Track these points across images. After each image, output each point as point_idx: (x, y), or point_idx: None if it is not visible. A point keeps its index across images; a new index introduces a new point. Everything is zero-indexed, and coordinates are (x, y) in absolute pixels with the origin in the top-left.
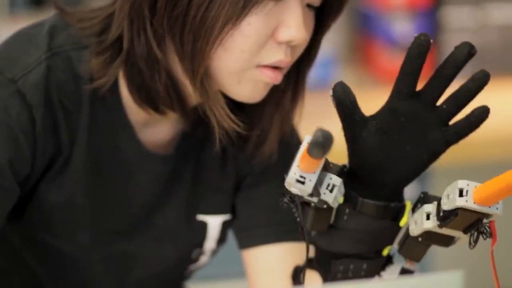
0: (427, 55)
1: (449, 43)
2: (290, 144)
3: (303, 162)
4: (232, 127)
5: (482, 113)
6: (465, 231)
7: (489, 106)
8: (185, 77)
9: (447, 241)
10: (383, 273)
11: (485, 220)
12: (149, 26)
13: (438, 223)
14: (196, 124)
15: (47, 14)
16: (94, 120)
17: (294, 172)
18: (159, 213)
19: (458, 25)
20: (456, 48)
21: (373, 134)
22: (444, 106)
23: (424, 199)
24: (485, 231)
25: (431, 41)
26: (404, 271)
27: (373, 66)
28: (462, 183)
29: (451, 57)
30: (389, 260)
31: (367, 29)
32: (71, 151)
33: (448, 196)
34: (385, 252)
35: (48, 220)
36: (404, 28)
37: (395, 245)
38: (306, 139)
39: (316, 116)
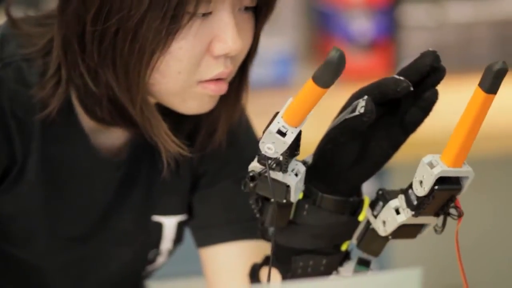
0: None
1: (407, 41)
2: (239, 138)
3: (289, 111)
4: (178, 151)
5: (431, 96)
6: (437, 213)
7: (447, 104)
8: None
9: (415, 232)
10: (340, 269)
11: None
12: (81, 61)
13: (413, 213)
14: None
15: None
16: (48, 128)
17: (278, 121)
18: (114, 216)
19: (416, 23)
20: (423, 54)
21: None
22: (402, 100)
23: (384, 196)
24: (453, 211)
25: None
26: (361, 261)
27: None
28: (427, 158)
29: (414, 65)
30: (346, 255)
31: (325, 27)
32: (25, 161)
33: (420, 181)
34: (343, 247)
35: (4, 229)
36: (362, 26)
37: (354, 240)
38: (289, 100)
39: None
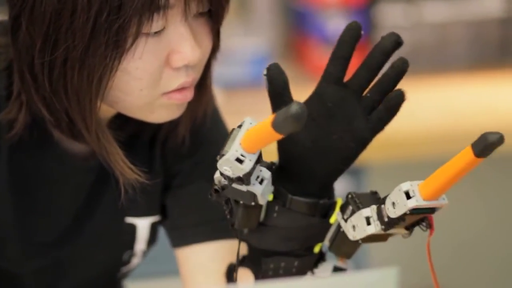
0: (358, 43)
1: None
2: (208, 136)
3: (248, 140)
4: (135, 178)
5: (397, 97)
6: (408, 228)
7: (422, 103)
8: None
9: (386, 236)
10: (316, 270)
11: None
12: (34, 90)
13: (383, 227)
14: (121, 129)
15: None
16: (16, 135)
17: (236, 149)
18: (87, 220)
19: (392, 22)
20: (383, 37)
21: None
22: (369, 95)
23: (354, 200)
24: (424, 223)
25: (362, 31)
26: (336, 269)
27: (307, 64)
28: (405, 186)
29: (378, 46)
30: (321, 257)
31: (301, 27)
32: None
33: (393, 204)
34: (316, 249)
35: None
36: (338, 26)
37: (326, 242)
38: (247, 121)
39: (250, 113)
